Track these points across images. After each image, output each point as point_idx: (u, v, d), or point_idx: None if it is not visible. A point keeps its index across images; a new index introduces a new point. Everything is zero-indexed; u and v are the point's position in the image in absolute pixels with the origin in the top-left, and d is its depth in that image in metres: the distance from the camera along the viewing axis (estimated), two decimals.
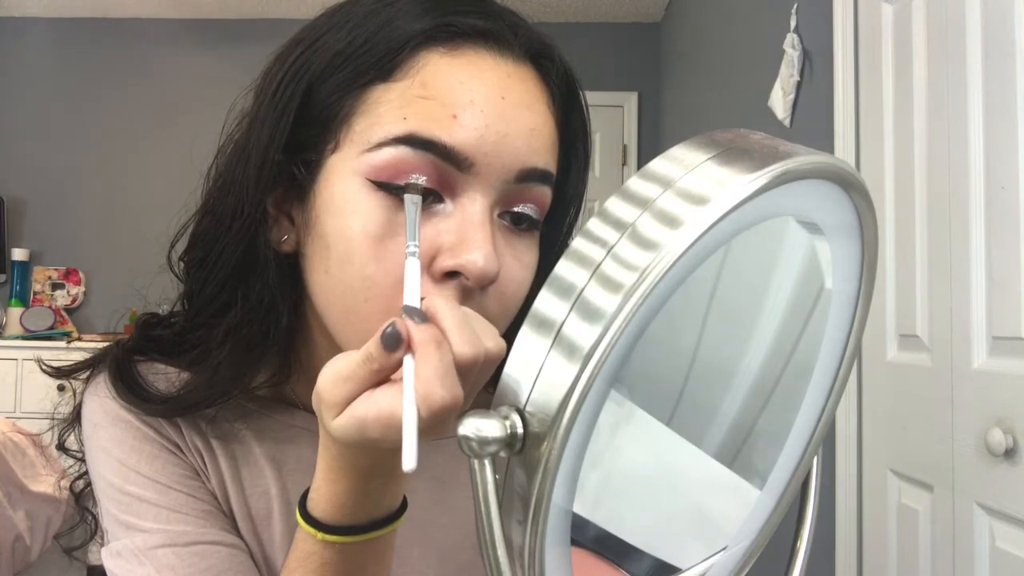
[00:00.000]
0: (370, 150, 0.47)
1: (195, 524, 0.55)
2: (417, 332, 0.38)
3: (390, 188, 0.46)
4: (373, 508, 0.47)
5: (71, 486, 0.63)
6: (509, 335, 0.31)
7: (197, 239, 0.56)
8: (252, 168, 0.51)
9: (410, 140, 0.46)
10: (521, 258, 0.50)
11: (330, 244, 0.48)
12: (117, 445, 0.56)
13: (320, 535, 0.46)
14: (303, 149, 0.50)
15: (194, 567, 0.53)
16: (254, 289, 0.52)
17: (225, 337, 0.53)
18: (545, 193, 0.51)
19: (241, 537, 0.58)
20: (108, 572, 0.55)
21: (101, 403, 0.57)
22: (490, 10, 0.51)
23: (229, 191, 0.52)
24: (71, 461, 0.63)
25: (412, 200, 0.46)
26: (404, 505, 0.49)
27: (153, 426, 0.57)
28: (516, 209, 0.50)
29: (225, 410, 0.57)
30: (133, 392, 0.55)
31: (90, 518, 0.64)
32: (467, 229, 0.46)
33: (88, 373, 0.60)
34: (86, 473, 0.61)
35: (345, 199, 0.47)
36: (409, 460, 0.34)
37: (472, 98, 0.47)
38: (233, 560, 0.55)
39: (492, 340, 0.40)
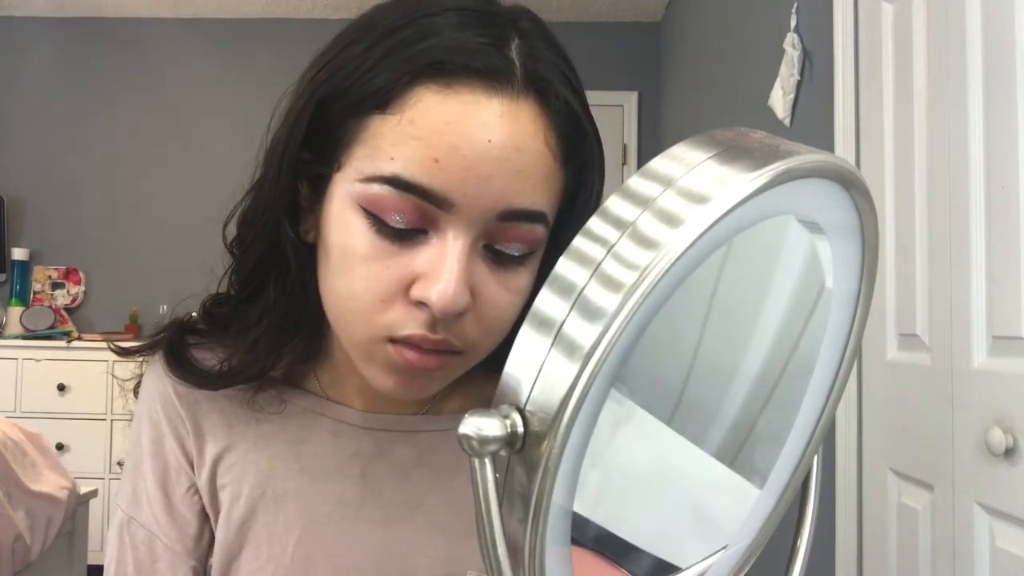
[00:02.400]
0: (362, 181, 0.49)
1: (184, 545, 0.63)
2: None
3: (379, 218, 0.49)
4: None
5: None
6: (509, 335, 0.32)
7: (240, 222, 0.60)
8: (275, 165, 0.55)
9: (394, 182, 0.48)
10: (508, 284, 0.52)
11: (329, 253, 0.52)
12: (143, 426, 0.64)
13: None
14: (317, 161, 0.53)
15: (163, 562, 0.62)
16: (282, 275, 0.57)
17: (260, 317, 0.58)
18: (534, 231, 0.51)
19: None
20: (110, 531, 0.65)
21: (152, 380, 0.64)
22: (494, 40, 0.50)
23: (263, 182, 0.57)
24: (70, 461, 0.69)
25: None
26: None
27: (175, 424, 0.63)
28: (498, 247, 0.51)
29: (260, 391, 0.63)
30: (182, 366, 0.62)
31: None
32: (440, 263, 0.49)
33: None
34: None
35: (343, 218, 0.51)
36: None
37: (456, 142, 0.47)
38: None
39: None
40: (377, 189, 0.49)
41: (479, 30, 0.50)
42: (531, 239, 0.51)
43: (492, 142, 0.48)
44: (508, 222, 0.50)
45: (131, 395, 0.66)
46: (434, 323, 0.50)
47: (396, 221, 0.49)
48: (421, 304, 0.49)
